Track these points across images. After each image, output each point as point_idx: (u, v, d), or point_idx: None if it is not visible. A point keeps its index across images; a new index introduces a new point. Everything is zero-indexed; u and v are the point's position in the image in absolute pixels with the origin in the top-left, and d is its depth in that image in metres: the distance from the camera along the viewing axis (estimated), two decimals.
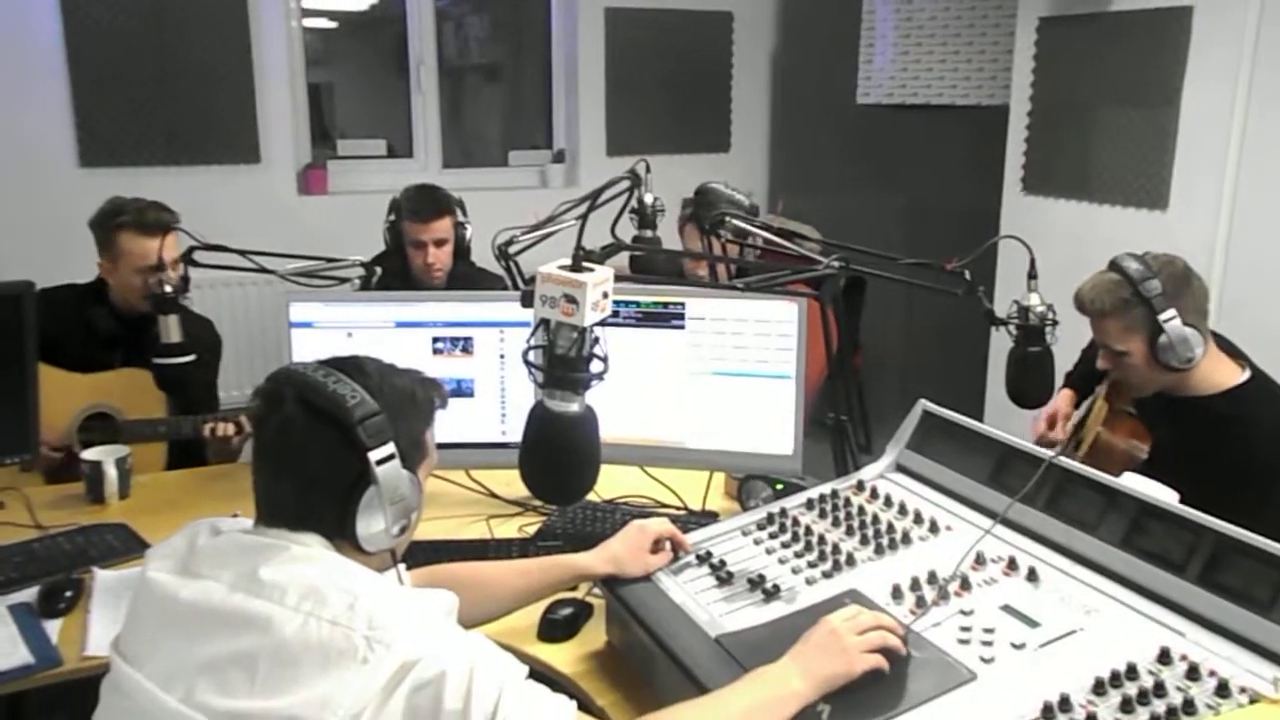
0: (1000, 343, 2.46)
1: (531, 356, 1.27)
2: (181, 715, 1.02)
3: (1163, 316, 1.88)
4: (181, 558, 1.14)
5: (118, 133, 3.90)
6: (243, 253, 2.18)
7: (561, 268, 1.23)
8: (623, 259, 1.76)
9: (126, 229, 2.38)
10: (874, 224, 4.57)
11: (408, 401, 1.20)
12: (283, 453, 1.15)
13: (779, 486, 1.89)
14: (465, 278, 2.98)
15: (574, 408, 1.27)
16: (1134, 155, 3.43)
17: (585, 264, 1.24)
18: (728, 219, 2.15)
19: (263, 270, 2.21)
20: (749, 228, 2.09)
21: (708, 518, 1.94)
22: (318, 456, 1.13)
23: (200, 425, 2.28)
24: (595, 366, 1.26)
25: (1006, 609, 1.25)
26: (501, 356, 2.05)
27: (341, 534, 1.14)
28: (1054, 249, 3.38)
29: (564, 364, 1.24)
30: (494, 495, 2.10)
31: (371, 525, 1.14)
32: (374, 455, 1.12)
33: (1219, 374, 1.97)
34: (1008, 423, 1.86)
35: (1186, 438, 1.97)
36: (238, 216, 3.65)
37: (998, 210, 3.99)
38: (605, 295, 1.24)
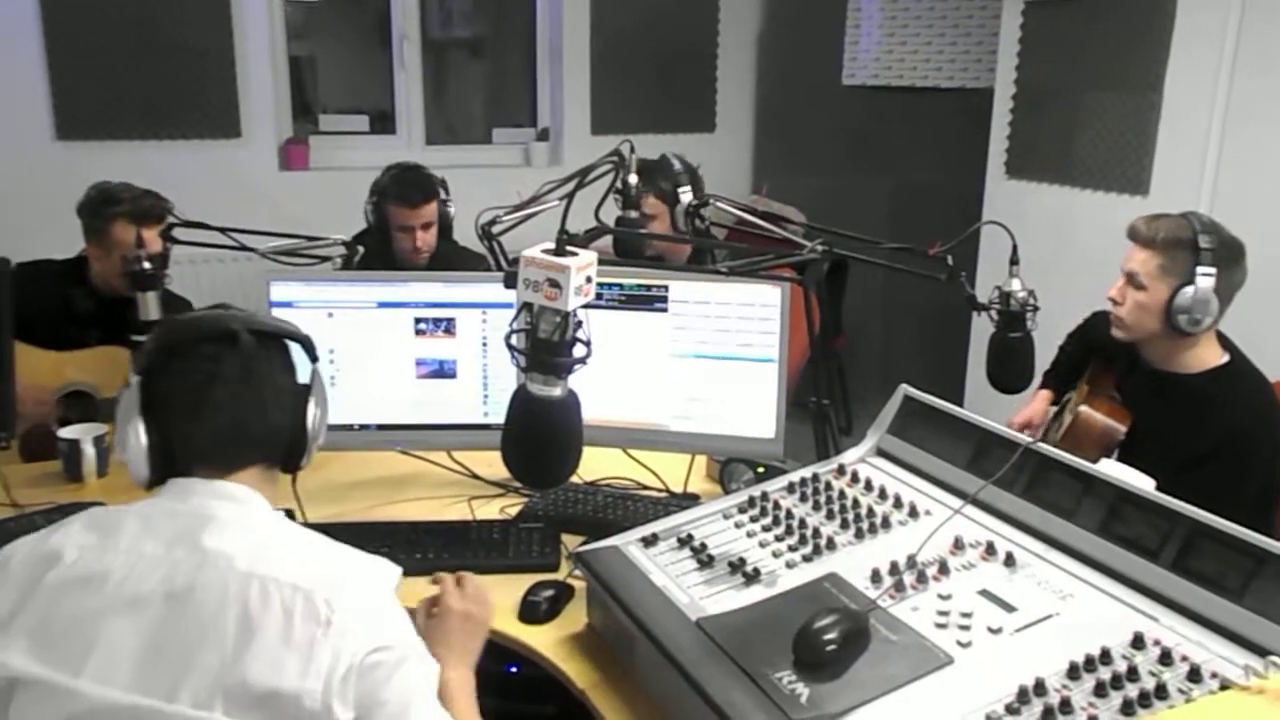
0: (982, 327, 2.47)
1: (514, 340, 1.26)
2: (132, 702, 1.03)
3: (1201, 269, 1.91)
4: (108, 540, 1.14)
5: (94, 105, 3.84)
6: (222, 230, 2.16)
7: (545, 251, 1.22)
8: (606, 240, 1.75)
9: (121, 218, 2.35)
10: (858, 205, 4.57)
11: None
12: (249, 383, 1.21)
13: (760, 470, 1.90)
14: (448, 257, 2.96)
15: (556, 392, 1.27)
16: (1116, 140, 3.44)
17: (569, 248, 1.23)
18: (711, 201, 2.15)
19: (242, 248, 2.19)
20: (732, 210, 2.09)
21: (689, 500, 1.94)
22: (278, 375, 1.25)
23: None
24: (578, 351, 1.26)
25: (984, 593, 1.27)
26: (484, 337, 2.04)
27: (289, 451, 1.25)
28: (1035, 233, 3.40)
29: (546, 348, 1.24)
30: (476, 476, 2.10)
31: (317, 431, 1.28)
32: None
33: (1207, 354, 2.02)
34: (988, 407, 1.87)
35: (1170, 414, 2.01)
36: (217, 192, 3.61)
37: (981, 193, 4.00)
38: (589, 279, 1.24)
